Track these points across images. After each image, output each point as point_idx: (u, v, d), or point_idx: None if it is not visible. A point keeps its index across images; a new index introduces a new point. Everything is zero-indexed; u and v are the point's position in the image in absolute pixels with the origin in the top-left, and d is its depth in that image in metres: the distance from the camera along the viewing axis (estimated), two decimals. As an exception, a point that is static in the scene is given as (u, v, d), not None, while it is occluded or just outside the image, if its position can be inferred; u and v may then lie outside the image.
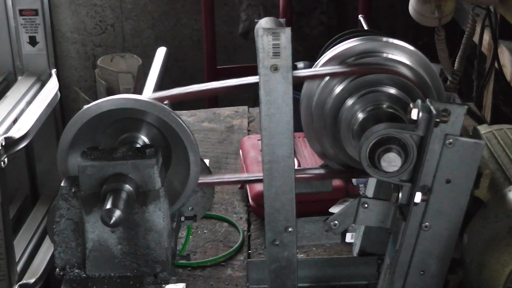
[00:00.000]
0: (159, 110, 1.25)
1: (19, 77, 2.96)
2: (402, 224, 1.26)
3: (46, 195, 3.11)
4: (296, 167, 1.30)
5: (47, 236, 2.25)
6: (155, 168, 1.22)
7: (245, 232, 1.82)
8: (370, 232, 1.50)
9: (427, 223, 1.25)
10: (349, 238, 1.57)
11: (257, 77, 1.24)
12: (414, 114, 1.20)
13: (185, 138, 1.27)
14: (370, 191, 1.47)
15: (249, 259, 1.71)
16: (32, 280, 2.56)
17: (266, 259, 1.34)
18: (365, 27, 1.58)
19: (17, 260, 2.56)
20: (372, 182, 1.47)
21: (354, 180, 1.78)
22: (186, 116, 2.44)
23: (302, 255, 1.72)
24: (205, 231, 1.83)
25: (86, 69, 3.96)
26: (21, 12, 2.94)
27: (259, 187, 1.68)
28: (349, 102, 1.30)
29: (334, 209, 1.67)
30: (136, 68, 3.59)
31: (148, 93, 1.47)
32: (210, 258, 1.72)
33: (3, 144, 2.33)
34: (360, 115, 1.29)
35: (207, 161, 2.00)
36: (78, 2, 3.84)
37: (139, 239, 1.24)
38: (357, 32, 1.40)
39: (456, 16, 2.36)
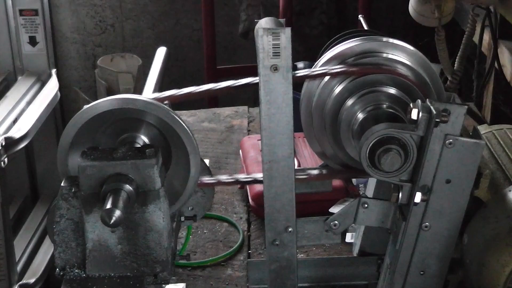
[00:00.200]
0: (159, 110, 1.25)
1: (19, 77, 2.95)
2: (402, 224, 1.26)
3: (46, 195, 3.11)
4: (296, 167, 1.30)
5: (47, 236, 2.26)
6: (155, 168, 1.22)
7: (245, 232, 1.82)
8: (370, 232, 1.50)
9: (427, 223, 1.25)
10: (349, 238, 1.57)
11: (257, 77, 1.24)
12: (414, 114, 1.20)
13: (185, 138, 1.27)
14: (370, 191, 1.47)
15: (249, 259, 1.71)
16: (32, 280, 2.55)
17: (266, 259, 1.34)
18: (365, 27, 1.58)
19: (17, 260, 2.56)
20: (372, 182, 1.47)
21: (354, 180, 1.78)
22: (186, 116, 2.44)
23: (302, 255, 1.72)
24: (205, 231, 1.83)
25: (86, 69, 3.96)
26: (21, 12, 2.94)
27: (259, 187, 1.68)
28: (349, 102, 1.30)
29: (334, 209, 1.67)
30: (136, 68, 3.59)
31: (148, 93, 1.47)
32: (210, 258, 1.72)
33: (3, 144, 2.33)
34: (360, 115, 1.29)
35: (207, 161, 2.00)
36: (78, 2, 3.84)
37: (139, 239, 1.24)
38: (357, 32, 1.40)
39: (456, 16, 2.36)
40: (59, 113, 3.28)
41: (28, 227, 2.90)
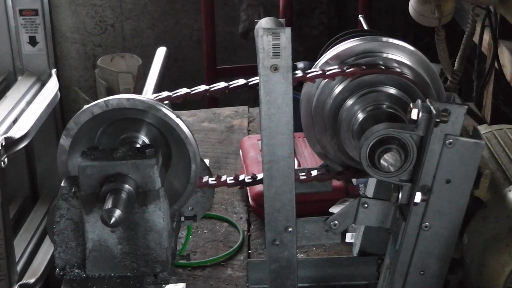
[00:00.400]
0: (159, 110, 1.25)
1: (19, 77, 2.95)
2: (402, 224, 1.26)
3: (46, 195, 3.11)
4: (296, 167, 1.30)
5: (47, 236, 2.26)
6: (155, 168, 1.22)
7: (245, 232, 1.82)
8: (370, 232, 1.50)
9: (427, 223, 1.25)
10: (349, 238, 1.57)
11: (257, 77, 1.24)
12: (414, 114, 1.20)
13: (185, 139, 1.27)
14: (370, 191, 1.47)
15: (249, 259, 1.71)
16: (32, 280, 2.55)
17: (266, 259, 1.34)
18: (365, 27, 1.58)
19: (17, 260, 2.56)
20: (372, 182, 1.47)
21: (354, 180, 1.78)
22: (186, 116, 2.44)
23: (302, 255, 1.72)
24: (205, 231, 1.83)
25: (86, 69, 3.96)
26: (21, 12, 2.94)
27: (259, 187, 1.68)
28: (349, 102, 1.30)
29: (334, 209, 1.67)
30: (136, 68, 3.59)
31: (148, 93, 1.47)
32: (210, 258, 1.72)
33: (3, 144, 2.33)
34: (360, 115, 1.29)
35: (207, 161, 2.00)
36: (78, 2, 3.84)
37: (139, 239, 1.24)
38: (357, 32, 1.40)
39: (456, 16, 2.36)
40: (59, 113, 3.28)
41: (28, 227, 2.90)
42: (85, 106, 1.25)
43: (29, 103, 2.77)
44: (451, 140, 1.20)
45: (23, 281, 2.53)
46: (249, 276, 1.54)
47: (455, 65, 2.11)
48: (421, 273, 1.29)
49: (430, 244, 1.27)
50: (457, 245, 1.29)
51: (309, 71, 1.30)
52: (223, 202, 1.95)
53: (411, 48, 1.32)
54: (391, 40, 1.33)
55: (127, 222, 1.22)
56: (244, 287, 1.63)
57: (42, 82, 2.96)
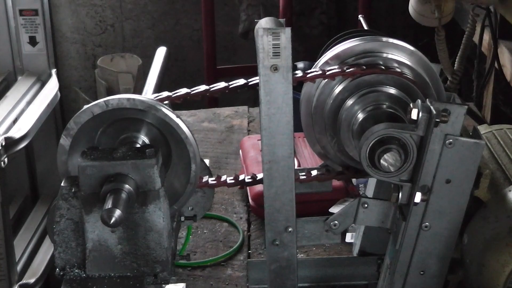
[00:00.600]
0: (159, 110, 1.25)
1: (19, 77, 2.95)
2: (402, 224, 1.26)
3: (46, 195, 3.11)
4: (296, 167, 1.30)
5: (47, 236, 2.26)
6: (155, 168, 1.22)
7: (245, 232, 1.82)
8: (370, 232, 1.50)
9: (427, 223, 1.25)
10: (349, 238, 1.57)
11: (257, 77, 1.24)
12: (414, 114, 1.20)
13: (185, 139, 1.27)
14: (370, 191, 1.47)
15: (249, 259, 1.71)
16: (32, 280, 2.55)
17: (266, 259, 1.34)
18: (365, 27, 1.58)
19: (17, 260, 2.56)
20: (372, 182, 1.47)
21: (354, 180, 1.78)
22: (186, 116, 2.44)
23: (302, 255, 1.72)
24: (205, 231, 1.83)
25: (86, 69, 3.96)
26: (21, 12, 2.94)
27: (259, 187, 1.68)
28: (349, 102, 1.30)
29: (334, 209, 1.67)
30: (136, 68, 3.59)
31: (148, 93, 1.47)
32: (210, 258, 1.72)
33: (3, 144, 2.33)
34: (360, 115, 1.29)
35: (207, 161, 2.00)
36: (78, 2, 3.84)
37: (139, 239, 1.24)
38: (357, 32, 1.40)
39: (456, 16, 2.36)
40: (59, 113, 3.28)
41: (28, 227, 2.90)
42: (85, 106, 1.25)
43: (29, 103, 2.77)
44: (451, 140, 1.20)
45: (23, 281, 2.53)
46: (249, 276, 1.54)
47: (455, 65, 2.11)
48: (421, 273, 1.29)
49: (430, 244, 1.27)
50: (457, 245, 1.29)
51: (309, 71, 1.30)
52: (223, 202, 1.95)
53: (411, 48, 1.32)
54: (391, 40, 1.33)
55: (127, 222, 1.22)
56: (244, 287, 1.63)
57: (42, 82, 2.96)
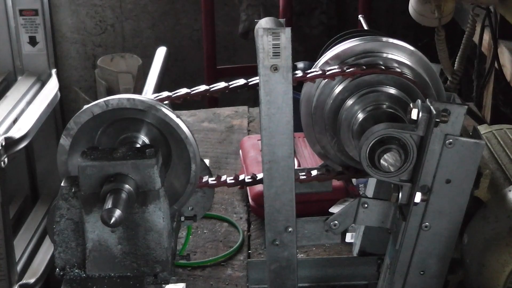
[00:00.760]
0: (159, 110, 1.25)
1: (19, 77, 2.96)
2: (402, 224, 1.26)
3: (46, 195, 3.11)
4: (296, 167, 1.30)
5: (47, 236, 2.26)
6: (155, 168, 1.22)
7: (245, 232, 1.82)
8: (370, 232, 1.50)
9: (427, 223, 1.25)
10: (349, 238, 1.57)
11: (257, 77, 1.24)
12: (414, 114, 1.20)
13: (185, 139, 1.27)
14: (370, 191, 1.47)
15: (249, 259, 1.71)
16: (32, 280, 2.56)
17: (266, 259, 1.34)
18: (365, 27, 1.58)
19: (17, 260, 2.56)
20: (372, 182, 1.47)
21: (354, 180, 1.78)
22: (186, 116, 2.44)
23: (302, 255, 1.72)
24: (205, 231, 1.83)
25: (86, 69, 3.96)
26: (21, 12, 2.94)
27: (259, 187, 1.68)
28: (349, 102, 1.30)
29: (334, 209, 1.67)
30: (136, 68, 3.59)
31: (148, 93, 1.47)
32: (210, 258, 1.72)
33: (3, 144, 2.33)
34: (360, 115, 1.29)
35: (207, 161, 2.00)
36: (78, 2, 3.85)
37: (139, 239, 1.24)
38: (357, 32, 1.40)
39: (456, 16, 2.36)
40: (59, 113, 3.28)
41: (28, 227, 2.90)
42: (85, 106, 1.25)
43: (29, 103, 2.77)
44: (451, 140, 1.20)
45: (23, 281, 2.54)
46: (249, 276, 1.54)
47: (455, 65, 2.11)
48: (421, 273, 1.29)
49: (430, 244, 1.27)
50: (457, 245, 1.29)
51: (309, 71, 1.30)
52: (223, 202, 1.95)
53: (411, 48, 1.32)
54: (391, 40, 1.33)
55: (127, 222, 1.22)
56: (244, 287, 1.63)
57: (42, 82, 2.96)
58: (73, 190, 1.22)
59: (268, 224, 1.31)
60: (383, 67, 1.29)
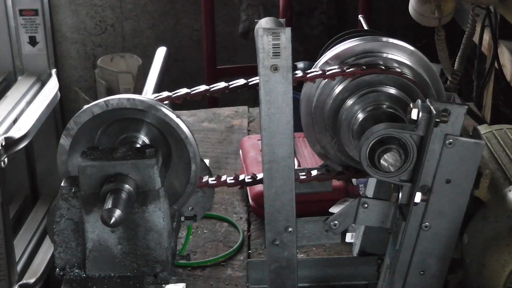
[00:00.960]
0: (159, 110, 1.25)
1: (19, 77, 2.95)
2: (402, 224, 1.26)
3: (46, 195, 3.11)
4: (296, 167, 1.30)
5: (47, 236, 2.26)
6: (155, 168, 1.22)
7: (245, 232, 1.82)
8: (370, 232, 1.50)
9: (427, 223, 1.25)
10: (349, 238, 1.57)
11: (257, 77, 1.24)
12: (414, 114, 1.20)
13: (185, 138, 1.27)
14: (370, 191, 1.47)
15: (249, 259, 1.71)
16: (32, 280, 2.56)
17: (266, 259, 1.34)
18: (365, 27, 1.58)
19: (17, 260, 2.56)
20: (372, 182, 1.47)
21: (354, 180, 1.77)
22: (186, 116, 2.44)
23: (302, 255, 1.72)
24: (205, 231, 1.83)
25: (86, 69, 3.96)
26: (21, 12, 2.94)
27: (259, 187, 1.68)
28: (349, 102, 1.30)
29: (334, 209, 1.66)
30: (136, 68, 3.59)
31: (148, 93, 1.47)
32: (210, 258, 1.72)
33: (3, 144, 2.33)
34: (360, 115, 1.29)
35: (207, 161, 2.00)
36: (78, 2, 3.85)
37: (139, 239, 1.24)
38: (357, 32, 1.40)
39: (456, 16, 2.36)
40: (59, 113, 3.28)
41: (28, 227, 2.90)
42: (85, 106, 1.25)
43: (29, 103, 2.77)
44: (451, 140, 1.20)
45: (23, 281, 2.54)
46: (249, 276, 1.54)
47: (455, 65, 2.11)
48: (421, 273, 1.29)
49: (430, 244, 1.27)
50: (457, 245, 1.29)
51: (309, 71, 1.30)
52: (223, 202, 1.95)
53: (411, 48, 1.32)
54: (391, 40, 1.33)
55: (127, 222, 1.22)
56: (244, 287, 1.63)
57: (42, 82, 2.96)
58: (73, 190, 1.22)
59: (268, 224, 1.31)
60: (383, 67, 1.29)
